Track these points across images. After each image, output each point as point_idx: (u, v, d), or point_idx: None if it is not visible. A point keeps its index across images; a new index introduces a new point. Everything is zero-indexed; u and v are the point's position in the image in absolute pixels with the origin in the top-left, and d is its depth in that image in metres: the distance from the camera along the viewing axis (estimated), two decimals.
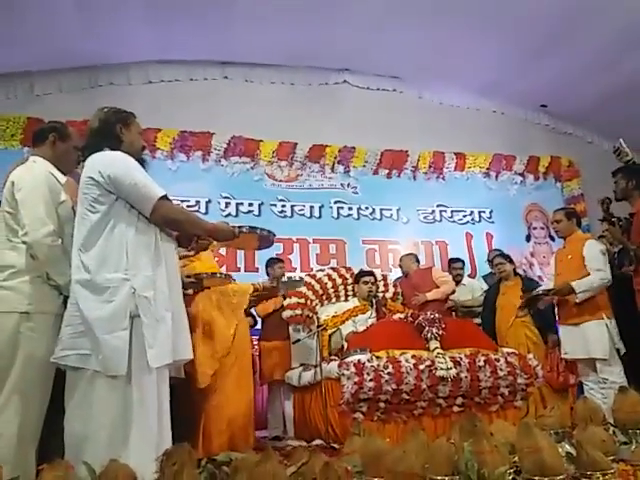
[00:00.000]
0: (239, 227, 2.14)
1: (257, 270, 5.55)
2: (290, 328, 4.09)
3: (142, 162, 1.99)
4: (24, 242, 1.89)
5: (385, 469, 1.28)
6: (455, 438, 1.42)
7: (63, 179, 2.09)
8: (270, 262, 4.57)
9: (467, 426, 1.39)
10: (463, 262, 5.23)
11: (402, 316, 3.17)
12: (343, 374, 2.68)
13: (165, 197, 1.89)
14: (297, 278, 4.65)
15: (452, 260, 5.29)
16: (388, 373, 2.64)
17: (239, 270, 5.61)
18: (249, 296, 3.35)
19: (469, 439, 1.31)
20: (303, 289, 4.13)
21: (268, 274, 4.51)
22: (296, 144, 6.26)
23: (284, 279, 4.61)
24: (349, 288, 4.25)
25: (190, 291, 2.73)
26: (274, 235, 2.33)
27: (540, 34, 5.71)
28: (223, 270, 4.62)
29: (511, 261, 4.29)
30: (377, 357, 2.73)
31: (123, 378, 1.69)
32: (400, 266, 4.92)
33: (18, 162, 2.10)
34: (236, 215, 5.95)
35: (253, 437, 3.02)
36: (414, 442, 1.34)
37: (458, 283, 4.81)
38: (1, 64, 5.18)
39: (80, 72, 5.60)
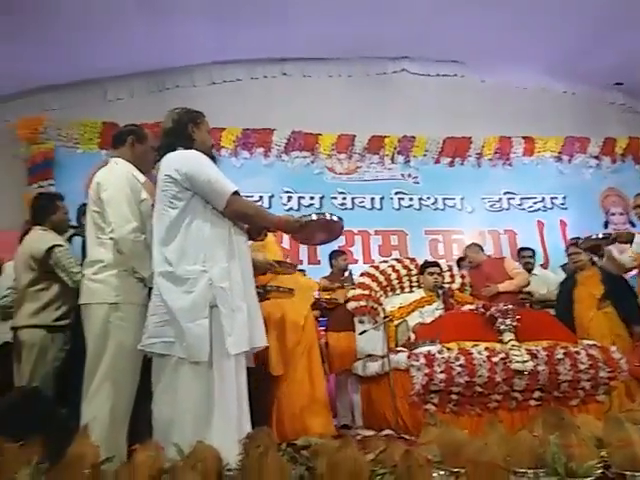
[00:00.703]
0: (304, 216, 2.16)
1: (319, 263, 5.62)
2: (355, 319, 4.10)
3: (213, 159, 2.08)
4: (111, 238, 2.02)
5: (465, 460, 1.26)
6: (538, 431, 1.37)
7: (142, 179, 2.21)
8: (333, 254, 4.61)
9: (552, 419, 1.34)
10: (533, 251, 5.01)
11: (473, 307, 3.09)
12: (412, 365, 2.66)
13: (236, 192, 1.96)
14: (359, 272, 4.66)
15: (522, 249, 5.09)
16: (460, 365, 2.59)
17: (302, 263, 5.68)
18: (314, 292, 3.43)
19: (555, 432, 1.26)
20: (367, 280, 4.13)
21: (332, 266, 4.56)
22: (354, 136, 6.25)
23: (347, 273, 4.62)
24: (414, 279, 4.20)
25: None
26: (341, 220, 2.27)
27: (613, 4, 5.31)
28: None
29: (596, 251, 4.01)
30: (448, 349, 2.69)
31: (205, 364, 1.78)
32: (463, 258, 4.79)
33: (100, 164, 2.25)
34: (298, 209, 6.03)
35: (331, 424, 3.07)
36: (494, 434, 1.32)
37: (529, 272, 4.63)
38: (77, 73, 5.56)
39: (148, 77, 5.90)
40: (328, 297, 4.26)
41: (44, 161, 5.27)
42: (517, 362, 2.64)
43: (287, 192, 6.13)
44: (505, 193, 6.45)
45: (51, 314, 2.59)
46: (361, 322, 3.99)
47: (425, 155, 6.37)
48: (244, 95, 6.03)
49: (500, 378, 2.64)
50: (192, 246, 1.88)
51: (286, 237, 5.17)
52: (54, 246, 2.60)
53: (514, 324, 2.80)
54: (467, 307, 3.20)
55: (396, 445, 1.36)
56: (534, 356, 2.67)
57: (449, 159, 6.41)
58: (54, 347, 2.61)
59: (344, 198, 6.23)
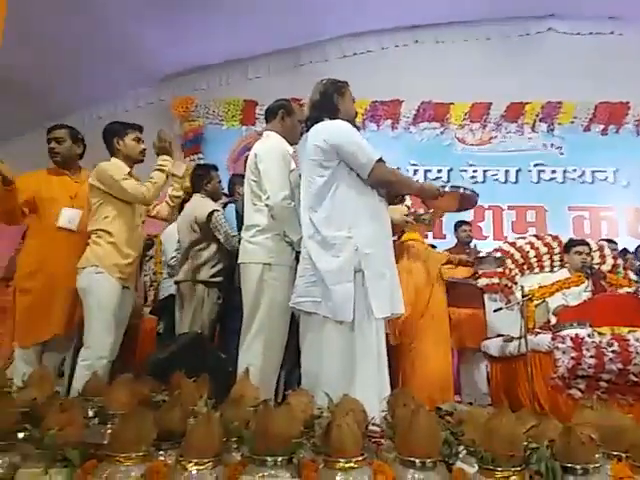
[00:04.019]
0: (442, 187, 2.22)
1: (444, 237, 5.49)
2: (485, 297, 3.96)
3: (356, 128, 2.14)
4: (266, 205, 2.22)
5: (630, 445, 1.18)
6: None
7: (291, 150, 2.36)
8: (456, 225, 4.57)
9: None
10: None
11: (631, 290, 2.79)
12: (557, 347, 2.51)
13: (380, 160, 2.00)
14: (495, 255, 4.46)
15: None
16: (612, 351, 2.38)
17: (426, 237, 5.59)
18: (441, 265, 3.37)
19: None
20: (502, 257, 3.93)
21: (457, 238, 4.48)
22: (490, 104, 5.88)
23: (482, 253, 4.46)
24: (555, 258, 3.89)
25: None
26: (477, 195, 2.30)
27: None
28: None
29: None
30: (599, 333, 2.49)
31: (348, 324, 1.90)
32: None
33: (254, 136, 2.45)
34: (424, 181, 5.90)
35: (453, 397, 3.06)
36: None
37: None
38: (222, 54, 5.99)
39: (285, 54, 6.15)
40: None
41: (194, 137, 5.85)
42: None
43: (413, 165, 6.02)
44: None
45: (208, 271, 2.92)
46: (492, 300, 3.84)
47: (573, 122, 5.78)
48: (374, 66, 5.98)
49: None
50: (338, 213, 1.98)
51: None
52: (214, 211, 2.92)
53: None
54: (624, 290, 2.90)
55: (550, 421, 1.32)
56: None
57: (601, 126, 5.75)
58: (209, 301, 2.94)
59: (474, 171, 5.95)
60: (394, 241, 2.86)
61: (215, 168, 3.27)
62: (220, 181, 3.27)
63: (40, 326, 2.47)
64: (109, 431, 1.50)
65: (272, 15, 5.37)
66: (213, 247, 2.95)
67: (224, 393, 1.74)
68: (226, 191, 3.45)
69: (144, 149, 2.59)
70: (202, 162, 5.53)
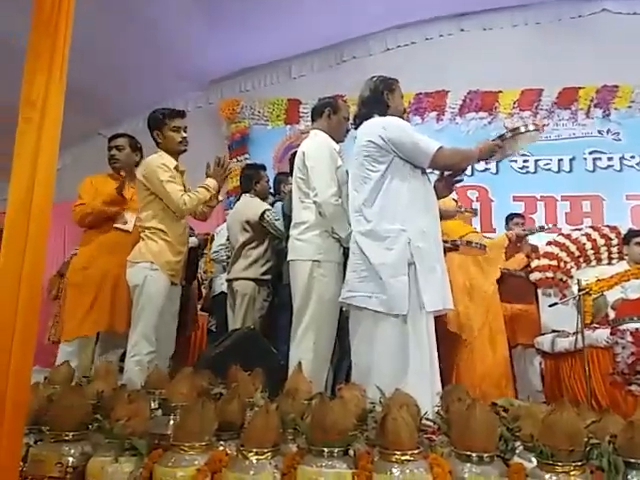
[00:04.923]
0: (500, 137, 2.16)
1: (494, 231, 5.35)
2: (539, 291, 3.84)
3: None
4: (314, 202, 2.25)
5: None
6: None
7: (337, 147, 2.39)
8: (507, 218, 4.44)
9: None
10: None
11: None
12: (617, 342, 2.43)
13: (440, 147, 2.00)
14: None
15: None
16: None
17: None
18: (504, 249, 3.28)
19: None
20: (555, 250, 3.80)
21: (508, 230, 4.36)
22: (542, 90, 5.65)
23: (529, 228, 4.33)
24: (614, 250, 3.73)
25: None
26: (539, 130, 2.27)
27: None
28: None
29: None
30: None
31: (401, 318, 1.91)
32: None
33: (298, 135, 2.49)
34: (471, 174, 5.76)
35: (510, 394, 3.00)
36: None
37: None
38: (266, 55, 6.07)
39: (327, 51, 6.14)
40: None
41: (241, 138, 5.96)
42: None
43: None
44: None
45: (258, 269, 3.01)
46: (546, 295, 3.73)
47: (630, 107, 5.45)
48: (419, 58, 5.88)
49: None
50: (391, 206, 2.00)
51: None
52: (265, 210, 2.99)
53: None
54: None
55: (611, 417, 1.28)
56: None
57: None
58: (260, 297, 3.03)
59: (525, 161, 5.74)
60: (453, 242, 2.82)
61: (264, 168, 3.36)
62: (268, 180, 3.35)
63: (84, 321, 2.51)
64: (172, 422, 1.59)
65: (313, 12, 5.39)
66: (263, 246, 3.03)
67: (277, 386, 1.80)
68: (272, 190, 3.53)
69: (184, 138, 2.52)
70: (249, 162, 5.68)
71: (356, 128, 2.20)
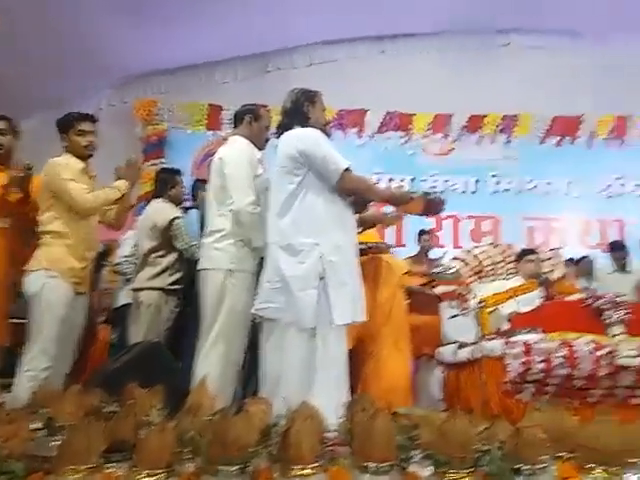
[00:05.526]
0: (412, 192, 2.30)
1: (404, 246, 5.59)
2: (442, 304, 4.06)
3: (327, 136, 2.16)
4: (231, 210, 2.20)
5: (577, 445, 1.24)
6: None
7: (258, 155, 2.36)
8: (419, 234, 4.72)
9: None
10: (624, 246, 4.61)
11: (579, 297, 2.93)
12: (509, 353, 2.60)
13: (349, 169, 2.03)
14: (452, 269, 4.59)
15: (613, 245, 4.71)
16: (561, 356, 2.48)
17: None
18: (402, 274, 3.43)
19: None
20: (458, 265, 4.04)
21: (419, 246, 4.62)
22: (452, 115, 6.05)
23: (438, 269, 4.57)
24: (509, 266, 4.03)
25: None
26: (444, 201, 2.33)
27: None
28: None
29: None
30: (549, 339, 2.59)
31: (310, 331, 1.91)
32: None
33: (219, 141, 2.43)
34: None
35: (411, 403, 3.10)
36: (607, 423, 1.28)
37: (622, 270, 4.44)
38: (187, 57, 5.91)
39: (252, 60, 6.13)
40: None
41: (157, 141, 5.73)
42: (624, 357, 2.48)
43: (378, 173, 6.10)
44: (617, 178, 5.93)
45: (166, 278, 2.88)
46: (450, 307, 3.94)
47: (530, 135, 6.01)
48: (342, 75, 6.04)
49: (604, 373, 2.50)
50: (306, 220, 2.00)
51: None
52: (175, 218, 2.87)
53: (625, 317, 2.62)
54: (573, 297, 3.04)
55: (501, 424, 1.36)
56: None
57: (557, 139, 6.00)
58: (167, 309, 2.89)
59: (435, 180, 6.10)
60: (362, 249, 2.89)
61: (180, 173, 3.23)
62: (184, 186, 3.24)
63: None
64: (56, 443, 1.45)
65: (240, 20, 5.36)
66: (173, 254, 2.91)
67: (180, 404, 1.71)
68: (189, 197, 3.41)
69: (90, 142, 2.41)
70: (165, 166, 5.45)
71: (278, 138, 2.19)
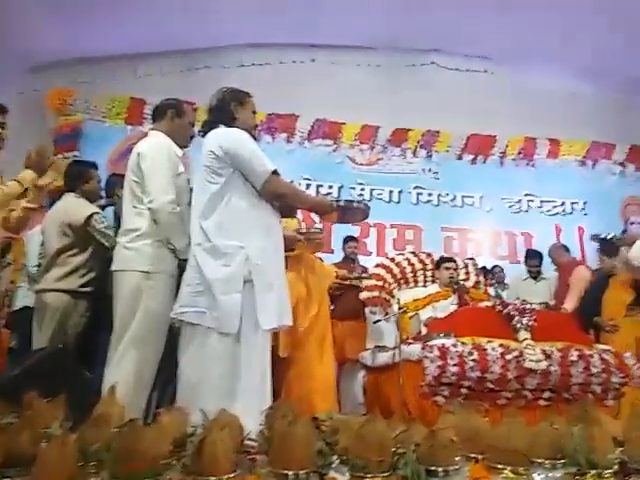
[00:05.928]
0: (336, 201, 2.27)
1: (332, 252, 5.65)
2: (367, 309, 4.13)
3: (254, 139, 2.11)
4: (149, 208, 2.07)
5: (486, 445, 1.29)
6: (560, 424, 1.40)
7: (180, 152, 2.25)
8: (344, 241, 4.78)
9: (575, 411, 1.37)
10: (540, 255, 4.99)
11: (490, 304, 3.11)
12: (426, 356, 2.69)
13: (275, 172, 1.99)
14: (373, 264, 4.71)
15: (528, 255, 5.07)
16: (473, 360, 2.62)
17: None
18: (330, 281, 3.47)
19: (577, 425, 1.29)
20: (381, 272, 4.15)
21: (344, 253, 4.70)
22: (378, 127, 6.24)
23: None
24: (428, 274, 4.21)
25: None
26: (368, 209, 2.38)
27: None
28: None
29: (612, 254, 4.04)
30: (462, 343, 2.71)
31: (233, 336, 1.84)
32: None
33: (140, 136, 2.29)
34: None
35: (336, 410, 3.11)
36: (515, 424, 1.35)
37: (535, 278, 4.75)
38: (109, 48, 5.60)
39: (179, 55, 5.94)
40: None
41: (71, 132, 5.34)
42: (530, 361, 2.66)
43: (306, 179, 6.14)
44: (525, 195, 6.42)
45: (77, 280, 2.65)
46: (373, 312, 4.03)
47: (448, 151, 6.35)
48: (272, 79, 6.02)
49: (512, 375, 2.66)
50: (230, 221, 1.94)
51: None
52: (93, 214, 2.66)
53: (530, 323, 2.81)
54: (484, 304, 3.22)
55: (417, 426, 1.39)
56: (548, 356, 2.68)
57: (471, 156, 6.39)
58: (76, 313, 2.66)
59: (362, 189, 6.25)
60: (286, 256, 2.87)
61: (95, 166, 3.00)
62: (100, 181, 3.01)
63: None
64: None
65: (166, 14, 5.17)
66: (85, 254, 2.67)
67: (87, 415, 1.58)
68: (104, 193, 3.18)
69: None
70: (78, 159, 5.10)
71: (203, 136, 2.11)
